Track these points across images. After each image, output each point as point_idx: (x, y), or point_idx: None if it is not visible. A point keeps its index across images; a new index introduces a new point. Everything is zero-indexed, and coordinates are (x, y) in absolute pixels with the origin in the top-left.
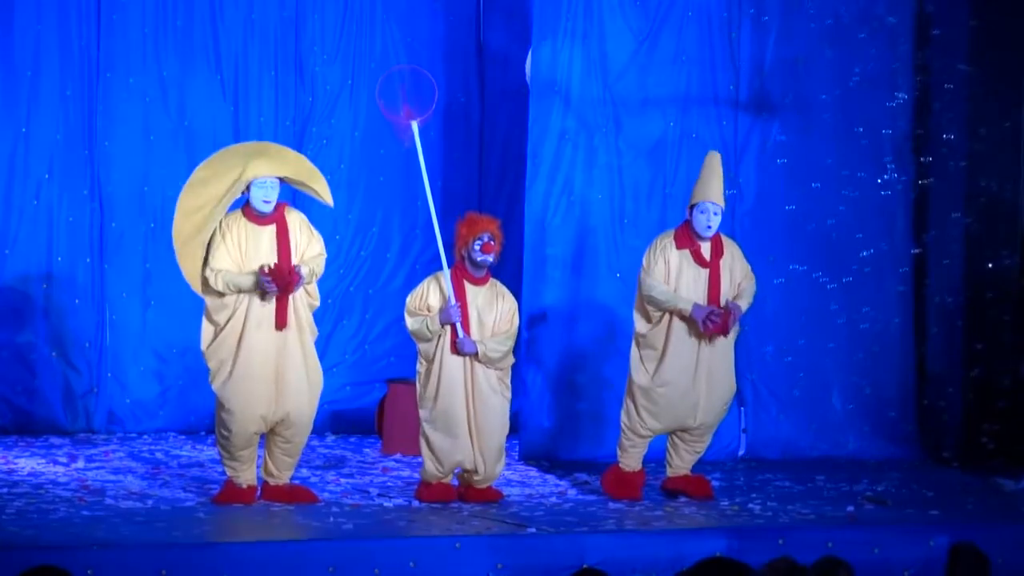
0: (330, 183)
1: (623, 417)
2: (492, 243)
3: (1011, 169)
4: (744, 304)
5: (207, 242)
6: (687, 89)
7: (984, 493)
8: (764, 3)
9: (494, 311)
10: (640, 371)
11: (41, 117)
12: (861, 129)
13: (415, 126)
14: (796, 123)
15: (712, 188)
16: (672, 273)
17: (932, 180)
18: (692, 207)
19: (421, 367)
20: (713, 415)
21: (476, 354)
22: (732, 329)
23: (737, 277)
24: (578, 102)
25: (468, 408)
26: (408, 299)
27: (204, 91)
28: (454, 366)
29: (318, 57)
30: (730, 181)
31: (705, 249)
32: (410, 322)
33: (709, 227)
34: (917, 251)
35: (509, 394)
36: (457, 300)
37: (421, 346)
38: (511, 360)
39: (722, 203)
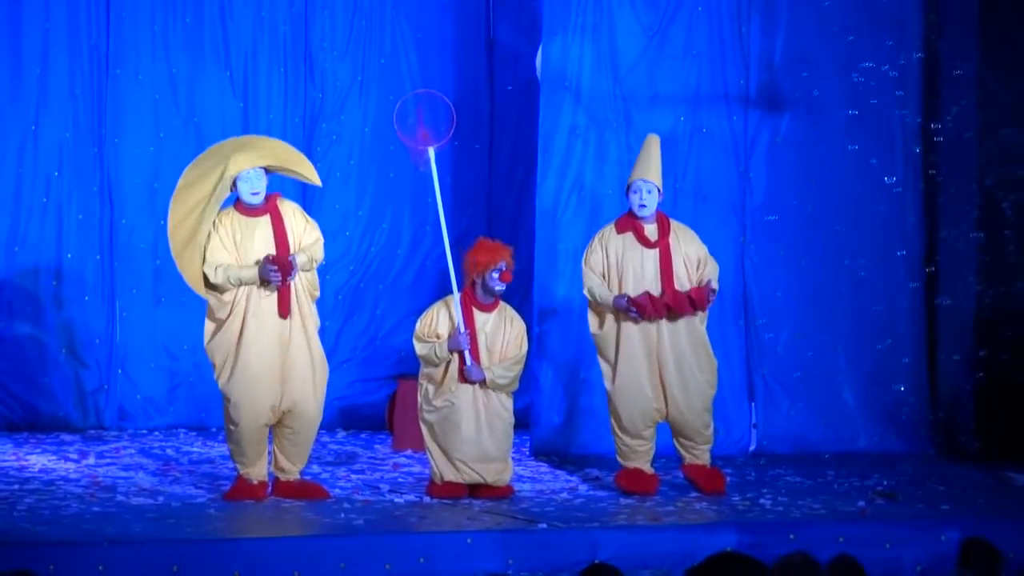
0: (340, 179)
1: (611, 422)
2: (508, 272)
3: (1022, 161)
4: (716, 286)
5: (203, 243)
6: (697, 84)
7: (995, 488)
8: None
9: (502, 336)
10: (606, 376)
11: (50, 114)
12: (870, 124)
13: (432, 152)
14: (806, 118)
15: (644, 167)
16: (614, 259)
17: (942, 175)
18: (628, 189)
19: (424, 379)
20: (699, 399)
21: (484, 381)
22: (708, 303)
23: (692, 260)
24: (588, 97)
25: (478, 428)
26: (417, 324)
27: (213, 88)
28: (461, 390)
29: (328, 53)
30: (740, 176)
31: (650, 230)
32: (419, 347)
33: (643, 205)
34: (929, 245)
35: (512, 406)
36: (466, 327)
37: (426, 370)
38: (517, 385)
39: (657, 181)
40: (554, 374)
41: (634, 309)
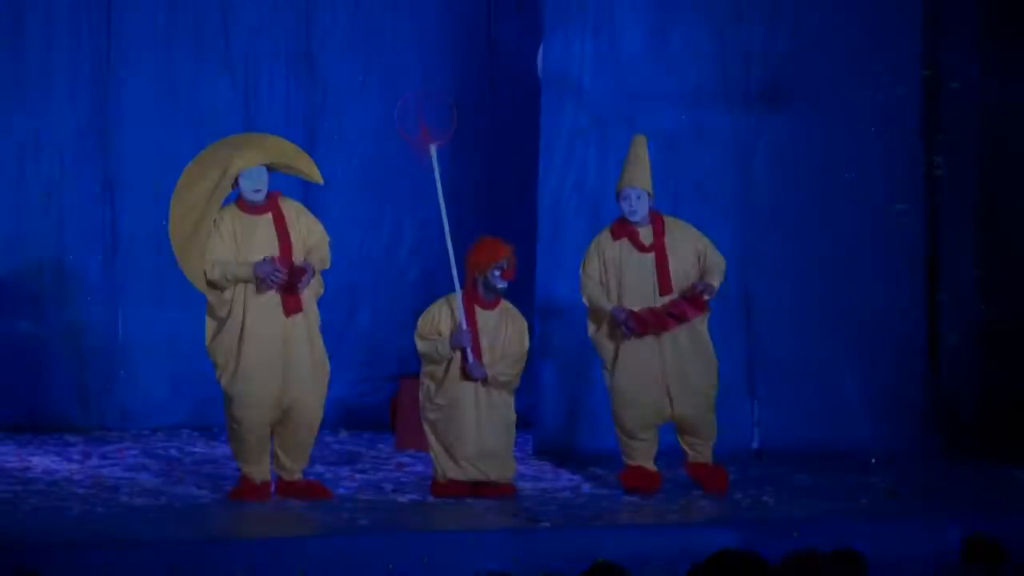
0: (341, 179)
1: (614, 420)
2: (510, 269)
3: (1022, 161)
4: (716, 280)
5: (205, 241)
6: (699, 82)
7: (998, 485)
8: None
9: (503, 334)
10: (606, 378)
11: (52, 114)
12: (872, 123)
13: (433, 150)
14: (806, 118)
15: (631, 174)
16: (612, 266)
17: (943, 174)
18: (617, 196)
19: (426, 377)
20: (701, 398)
21: (486, 379)
22: (703, 307)
23: (691, 256)
24: (590, 95)
25: (480, 425)
26: (419, 322)
27: (215, 87)
28: (463, 387)
29: (329, 52)
30: (742, 174)
31: (645, 234)
32: (421, 345)
33: (634, 212)
34: (931, 245)
35: (514, 404)
36: (468, 325)
37: (428, 367)
38: (519, 383)
39: (645, 186)
40: (556, 373)
41: (629, 325)
